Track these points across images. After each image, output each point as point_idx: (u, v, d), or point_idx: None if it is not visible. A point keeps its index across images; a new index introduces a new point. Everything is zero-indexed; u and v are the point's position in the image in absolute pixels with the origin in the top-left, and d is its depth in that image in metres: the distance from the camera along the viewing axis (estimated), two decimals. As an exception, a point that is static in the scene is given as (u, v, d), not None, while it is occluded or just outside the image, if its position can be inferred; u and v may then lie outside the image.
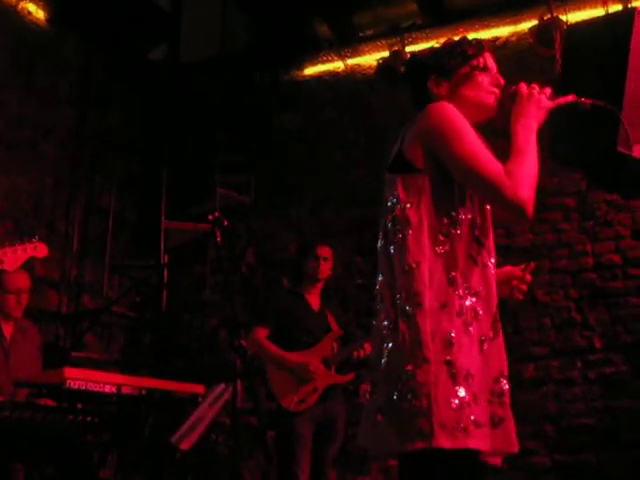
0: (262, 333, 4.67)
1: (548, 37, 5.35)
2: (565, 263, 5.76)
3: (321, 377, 4.58)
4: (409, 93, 2.33)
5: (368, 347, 4.67)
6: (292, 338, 4.68)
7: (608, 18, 4.23)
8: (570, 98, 2.17)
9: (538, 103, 2.13)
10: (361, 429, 2.10)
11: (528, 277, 2.40)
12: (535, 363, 5.64)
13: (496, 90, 2.22)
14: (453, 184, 2.08)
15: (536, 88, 2.16)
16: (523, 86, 2.16)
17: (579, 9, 5.74)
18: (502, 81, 2.24)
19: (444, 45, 2.32)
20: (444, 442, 1.86)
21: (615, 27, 3.21)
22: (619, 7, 5.37)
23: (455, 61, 2.23)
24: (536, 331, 5.71)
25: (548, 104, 2.15)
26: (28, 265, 4.69)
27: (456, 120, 2.06)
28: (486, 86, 2.22)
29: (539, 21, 5.60)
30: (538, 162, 2.05)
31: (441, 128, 2.05)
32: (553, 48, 5.13)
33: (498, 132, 2.23)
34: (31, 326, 4.85)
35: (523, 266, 2.41)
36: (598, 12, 5.52)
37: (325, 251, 4.83)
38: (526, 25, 6.04)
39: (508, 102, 2.18)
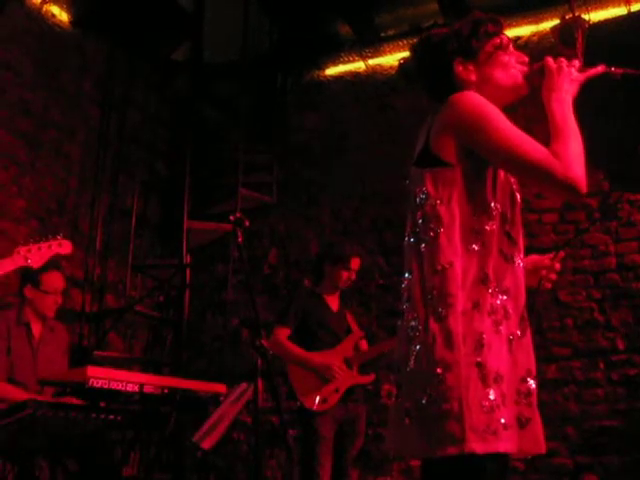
0: (283, 333, 4.69)
1: (570, 36, 5.32)
2: (588, 263, 5.73)
3: (343, 378, 4.60)
4: (429, 80, 2.22)
5: (387, 346, 4.70)
6: (313, 338, 4.70)
7: (630, 16, 4.22)
8: (600, 69, 2.08)
9: (569, 76, 2.06)
10: (389, 432, 2.04)
11: (557, 266, 2.31)
12: (557, 364, 5.61)
13: (522, 67, 2.15)
14: (485, 177, 2.02)
15: (564, 61, 2.08)
16: (550, 60, 2.09)
17: (601, 8, 5.71)
18: (525, 58, 2.17)
19: (462, 25, 2.18)
20: (476, 446, 1.80)
21: (637, 25, 3.20)
22: (642, 6, 5.35)
23: (480, 41, 2.14)
24: (558, 332, 5.68)
25: (578, 77, 2.07)
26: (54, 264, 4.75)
27: (487, 108, 1.98)
28: (513, 64, 2.14)
29: (561, 20, 5.57)
30: (580, 134, 1.97)
31: (474, 118, 1.97)
32: (575, 47, 5.10)
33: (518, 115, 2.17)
34: (60, 326, 4.89)
35: (552, 255, 2.32)
36: (620, 11, 5.49)
37: (357, 263, 4.86)
38: (548, 24, 6.01)
39: (536, 79, 2.11)
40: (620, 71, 2.07)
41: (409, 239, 2.08)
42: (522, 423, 1.94)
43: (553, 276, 2.30)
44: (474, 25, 2.16)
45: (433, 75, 2.21)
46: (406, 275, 2.06)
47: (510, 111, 2.08)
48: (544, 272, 2.29)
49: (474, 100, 2.00)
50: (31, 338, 4.62)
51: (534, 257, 2.31)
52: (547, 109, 2.02)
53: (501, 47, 2.15)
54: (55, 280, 4.64)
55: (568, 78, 2.05)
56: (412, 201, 2.09)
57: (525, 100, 2.18)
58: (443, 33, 2.20)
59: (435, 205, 1.99)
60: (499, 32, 2.16)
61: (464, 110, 1.99)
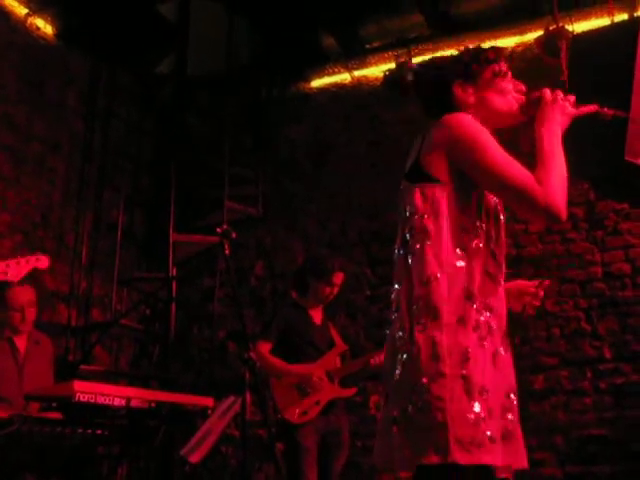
0: (265, 347, 4.68)
1: (554, 47, 5.35)
2: (574, 273, 5.74)
3: (324, 390, 4.59)
4: (427, 100, 2.32)
5: (367, 360, 4.70)
6: (296, 351, 4.70)
7: (614, 27, 4.25)
8: (593, 108, 2.18)
9: (562, 109, 2.15)
10: (376, 442, 2.07)
11: (541, 293, 2.40)
12: (545, 373, 5.61)
13: (519, 96, 2.24)
14: (473, 196, 2.08)
15: (560, 94, 2.17)
16: (547, 92, 2.18)
17: (585, 19, 5.75)
18: (523, 87, 2.27)
19: (464, 52, 2.32)
20: (460, 457, 1.84)
21: (621, 36, 3.23)
22: (625, 16, 5.38)
23: (480, 66, 2.24)
24: (545, 341, 5.69)
25: (572, 111, 2.17)
26: (38, 279, 4.72)
27: (479, 131, 2.07)
28: (510, 91, 2.24)
29: (545, 31, 5.61)
30: (566, 165, 2.06)
31: (466, 139, 2.05)
32: (559, 58, 5.13)
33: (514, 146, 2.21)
34: (45, 338, 4.86)
35: (537, 282, 2.41)
36: (604, 22, 5.53)
37: (340, 278, 4.84)
38: (532, 35, 6.04)
39: (531, 108, 2.19)
40: (611, 112, 2.17)
41: (398, 251, 2.14)
42: (506, 437, 1.98)
43: (537, 302, 2.40)
44: (476, 52, 2.28)
45: (432, 94, 2.30)
46: (395, 286, 2.11)
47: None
48: (528, 299, 2.40)
49: (466, 122, 2.08)
50: (16, 353, 4.59)
51: (519, 282, 2.42)
52: (537, 136, 2.11)
53: (500, 74, 2.24)
54: (17, 296, 4.63)
55: (562, 110, 2.15)
56: (401, 214, 2.15)
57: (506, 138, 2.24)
58: (445, 57, 2.37)
59: (422, 219, 2.06)
60: (499, 60, 2.26)
61: (456, 131, 2.07)
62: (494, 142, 2.07)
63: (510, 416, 2.02)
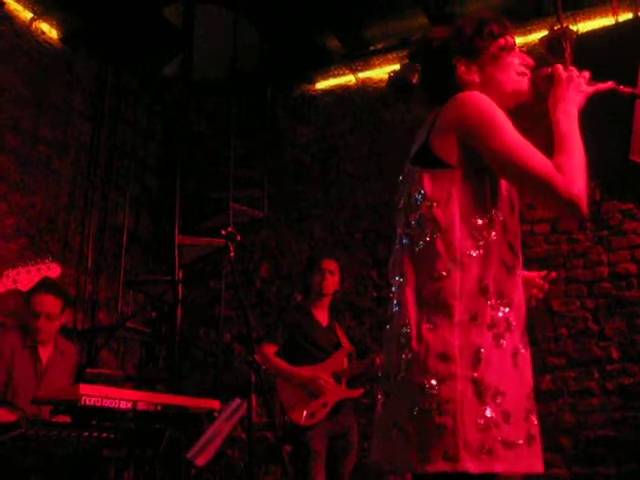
0: (270, 349, 4.68)
1: (558, 47, 5.34)
2: (581, 273, 5.73)
3: (331, 392, 4.58)
4: (430, 86, 2.11)
5: (374, 360, 4.68)
6: (303, 354, 4.69)
7: (618, 27, 4.24)
8: (609, 84, 2.01)
9: (578, 87, 1.98)
10: (374, 445, 1.92)
11: (546, 285, 2.25)
12: (552, 374, 5.60)
13: (527, 71, 2.06)
14: (486, 183, 1.91)
15: (574, 71, 2.01)
16: (561, 68, 2.00)
17: (589, 18, 5.74)
18: (531, 61, 2.08)
19: (466, 24, 2.09)
20: (470, 466, 1.69)
21: (625, 35, 3.22)
22: (629, 15, 5.38)
23: (484, 41, 2.05)
24: (553, 342, 5.68)
25: (587, 89, 2.00)
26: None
27: (495, 112, 1.88)
28: (517, 67, 2.05)
29: (549, 31, 5.60)
30: (583, 148, 1.89)
31: (480, 121, 1.86)
32: (564, 58, 5.12)
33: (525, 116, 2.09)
34: (70, 348, 4.71)
35: (543, 273, 2.26)
36: (608, 21, 5.52)
37: (331, 265, 4.82)
38: (536, 35, 6.03)
39: (542, 84, 2.02)
40: (629, 90, 2.02)
41: (401, 241, 1.97)
42: (529, 441, 1.84)
43: (541, 295, 2.25)
44: (479, 24, 2.08)
45: (434, 80, 2.10)
46: (397, 278, 1.94)
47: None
48: (535, 291, 2.24)
49: (481, 100, 1.90)
50: (37, 363, 4.46)
51: (526, 273, 2.20)
52: (552, 118, 1.95)
53: (506, 49, 2.06)
54: (45, 303, 4.43)
55: (577, 89, 1.98)
56: (406, 201, 1.99)
57: (521, 111, 2.10)
58: (444, 35, 2.11)
59: (432, 207, 1.88)
60: (504, 33, 2.08)
61: (470, 109, 1.89)
62: (510, 124, 1.88)
63: (533, 418, 1.88)
